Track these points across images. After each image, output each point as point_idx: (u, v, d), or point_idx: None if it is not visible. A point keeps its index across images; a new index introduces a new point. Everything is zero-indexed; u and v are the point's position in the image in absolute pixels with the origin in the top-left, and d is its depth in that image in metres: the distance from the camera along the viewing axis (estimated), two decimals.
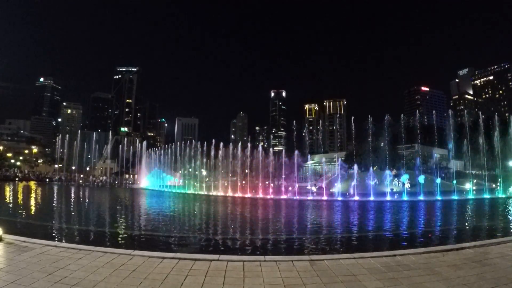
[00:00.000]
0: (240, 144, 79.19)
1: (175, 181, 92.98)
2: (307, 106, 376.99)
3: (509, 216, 27.77)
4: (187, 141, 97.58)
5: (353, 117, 59.17)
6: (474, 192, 51.81)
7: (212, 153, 78.65)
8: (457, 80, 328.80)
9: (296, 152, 66.39)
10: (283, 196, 52.79)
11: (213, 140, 78.03)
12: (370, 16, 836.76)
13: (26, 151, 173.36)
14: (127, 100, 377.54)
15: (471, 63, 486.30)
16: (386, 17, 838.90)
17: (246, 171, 72.94)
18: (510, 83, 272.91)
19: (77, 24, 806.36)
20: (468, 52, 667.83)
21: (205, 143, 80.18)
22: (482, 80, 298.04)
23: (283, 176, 68.24)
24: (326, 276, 7.69)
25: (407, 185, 55.31)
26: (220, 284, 7.22)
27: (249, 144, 77.79)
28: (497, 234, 16.90)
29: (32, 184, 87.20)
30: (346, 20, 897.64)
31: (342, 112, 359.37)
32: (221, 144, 75.91)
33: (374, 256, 9.43)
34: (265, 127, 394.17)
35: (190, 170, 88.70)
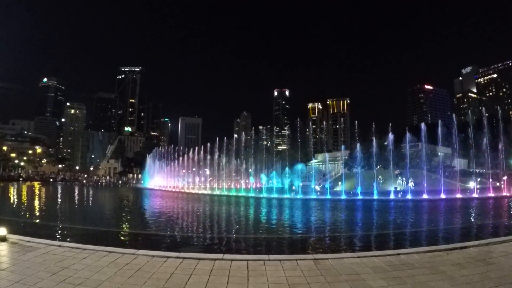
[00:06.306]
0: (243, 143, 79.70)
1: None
2: (310, 105, 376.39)
3: None
4: (190, 140, 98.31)
5: (356, 122, 58.27)
6: (478, 190, 51.51)
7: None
8: (460, 78, 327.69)
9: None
10: (286, 196, 52.70)
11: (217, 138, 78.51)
12: (373, 15, 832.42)
13: (30, 151, 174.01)
14: (131, 100, 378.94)
15: (474, 61, 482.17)
16: (389, 16, 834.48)
17: (250, 170, 73.27)
18: None
19: (80, 24, 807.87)
20: (471, 50, 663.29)
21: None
22: (485, 78, 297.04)
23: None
24: (330, 275, 7.67)
25: (410, 184, 55.15)
26: (224, 283, 7.23)
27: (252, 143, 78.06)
28: (501, 233, 16.85)
29: (36, 184, 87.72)
30: (349, 18, 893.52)
31: (345, 111, 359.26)
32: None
33: (378, 255, 9.40)
34: (269, 126, 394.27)
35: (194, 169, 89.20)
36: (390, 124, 59.37)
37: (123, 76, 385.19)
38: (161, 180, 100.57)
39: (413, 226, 21.33)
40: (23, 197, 46.84)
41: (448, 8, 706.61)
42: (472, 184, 54.67)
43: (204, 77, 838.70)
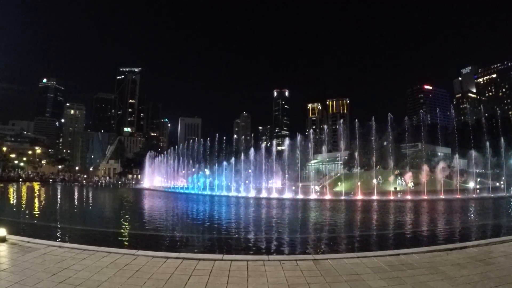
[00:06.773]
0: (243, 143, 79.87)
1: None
2: (310, 105, 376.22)
3: None
4: (190, 141, 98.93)
5: (356, 121, 57.98)
6: (478, 191, 51.57)
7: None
8: (460, 78, 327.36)
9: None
10: (286, 196, 52.75)
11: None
12: (373, 15, 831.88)
13: (30, 152, 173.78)
14: (130, 101, 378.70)
15: (474, 61, 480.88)
16: (389, 16, 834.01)
17: (249, 170, 73.24)
18: None
19: (80, 24, 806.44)
20: (471, 50, 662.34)
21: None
22: (485, 78, 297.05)
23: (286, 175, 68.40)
24: (330, 276, 7.68)
25: (410, 184, 55.23)
26: (224, 284, 7.23)
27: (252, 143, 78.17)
28: (501, 233, 16.85)
29: (36, 185, 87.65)
30: (349, 18, 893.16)
31: (345, 111, 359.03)
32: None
33: (377, 255, 9.41)
34: (268, 126, 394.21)
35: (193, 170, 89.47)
36: (390, 124, 59.41)
37: (122, 76, 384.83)
38: (160, 180, 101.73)
39: (413, 226, 21.33)
40: (22, 198, 46.81)
41: (448, 8, 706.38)
42: (471, 184, 54.76)
43: (204, 77, 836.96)
